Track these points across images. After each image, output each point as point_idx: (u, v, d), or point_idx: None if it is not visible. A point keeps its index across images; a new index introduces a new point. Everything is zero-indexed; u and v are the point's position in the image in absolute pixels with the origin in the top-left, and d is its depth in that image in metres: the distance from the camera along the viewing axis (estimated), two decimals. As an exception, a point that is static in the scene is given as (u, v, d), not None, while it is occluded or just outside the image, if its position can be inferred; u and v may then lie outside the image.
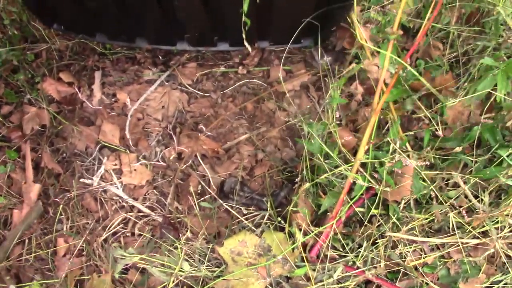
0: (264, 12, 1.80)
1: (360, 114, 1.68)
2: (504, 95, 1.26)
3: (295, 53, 2.05)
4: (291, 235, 1.38)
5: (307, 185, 1.38)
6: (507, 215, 1.34)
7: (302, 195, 1.40)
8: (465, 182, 1.41)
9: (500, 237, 1.38)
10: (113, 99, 1.93)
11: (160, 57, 2.05)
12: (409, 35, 1.93)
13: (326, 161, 1.40)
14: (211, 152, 1.82)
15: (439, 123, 1.52)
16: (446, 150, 1.53)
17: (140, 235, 1.65)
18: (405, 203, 1.46)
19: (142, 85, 1.98)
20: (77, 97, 1.89)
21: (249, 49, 1.50)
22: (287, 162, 1.77)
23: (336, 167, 1.35)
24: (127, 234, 1.66)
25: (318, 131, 1.41)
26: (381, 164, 1.36)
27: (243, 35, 1.48)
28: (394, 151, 1.28)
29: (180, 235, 1.63)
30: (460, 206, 1.47)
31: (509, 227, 1.38)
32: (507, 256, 1.40)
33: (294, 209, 1.35)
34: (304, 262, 1.35)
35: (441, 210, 1.38)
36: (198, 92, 1.97)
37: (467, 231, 1.36)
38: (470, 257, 1.41)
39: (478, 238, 1.35)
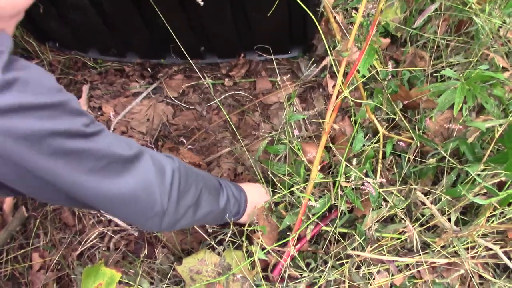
0: (245, 24, 1.78)
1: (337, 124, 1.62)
2: (466, 109, 1.19)
3: (283, 64, 2.01)
4: (251, 253, 1.34)
5: (263, 203, 1.35)
6: (477, 236, 1.26)
7: (263, 213, 1.36)
8: (440, 200, 1.34)
9: (473, 257, 1.30)
10: (98, 113, 1.95)
11: (149, 70, 2.06)
12: (398, 44, 1.85)
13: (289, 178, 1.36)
14: (192, 166, 1.80)
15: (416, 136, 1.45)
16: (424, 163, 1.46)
17: (115, 249, 1.65)
18: (377, 221, 1.40)
19: (128, 98, 1.99)
20: (63, 111, 1.91)
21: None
22: (266, 176, 1.73)
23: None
24: (103, 249, 1.66)
25: (279, 151, 1.38)
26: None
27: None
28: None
29: (155, 250, 1.62)
30: (436, 226, 1.40)
31: (483, 247, 1.30)
32: (481, 276, 1.32)
33: (250, 228, 1.32)
34: (266, 281, 1.31)
35: (404, 228, 1.31)
36: (184, 104, 1.96)
37: (436, 251, 1.29)
38: (443, 278, 1.33)
39: (447, 257, 1.28)
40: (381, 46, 1.77)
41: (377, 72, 1.65)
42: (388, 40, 1.78)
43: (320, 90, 1.88)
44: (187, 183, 1.05)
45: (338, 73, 1.17)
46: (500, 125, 1.15)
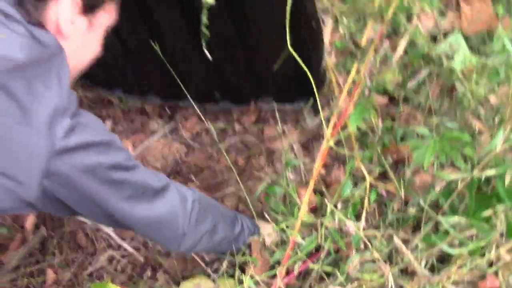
0: (256, 74, 1.97)
1: (333, 173, 1.78)
2: (438, 164, 1.34)
3: (290, 113, 2.19)
4: (242, 282, 1.47)
5: (256, 238, 1.49)
6: (450, 283, 1.37)
7: (257, 247, 1.50)
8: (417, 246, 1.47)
9: (445, 302, 1.41)
10: (118, 147, 2.14)
11: (168, 110, 2.25)
12: (396, 103, 2.02)
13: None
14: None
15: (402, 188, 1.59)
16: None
17: (122, 272, 1.80)
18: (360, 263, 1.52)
19: (146, 135, 2.18)
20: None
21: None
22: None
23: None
24: (111, 270, 1.81)
25: (276, 192, 1.54)
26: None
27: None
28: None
29: (157, 274, 1.76)
30: (414, 272, 1.52)
31: (454, 293, 1.41)
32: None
33: (243, 258, 1.46)
34: (254, 310, 1.44)
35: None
36: (196, 145, 2.14)
37: (410, 293, 1.40)
38: (418, 321, 1.44)
39: (421, 301, 1.39)
40: (378, 104, 1.94)
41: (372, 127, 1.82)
42: (385, 99, 1.95)
43: (322, 139, 2.05)
44: (205, 211, 1.25)
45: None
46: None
